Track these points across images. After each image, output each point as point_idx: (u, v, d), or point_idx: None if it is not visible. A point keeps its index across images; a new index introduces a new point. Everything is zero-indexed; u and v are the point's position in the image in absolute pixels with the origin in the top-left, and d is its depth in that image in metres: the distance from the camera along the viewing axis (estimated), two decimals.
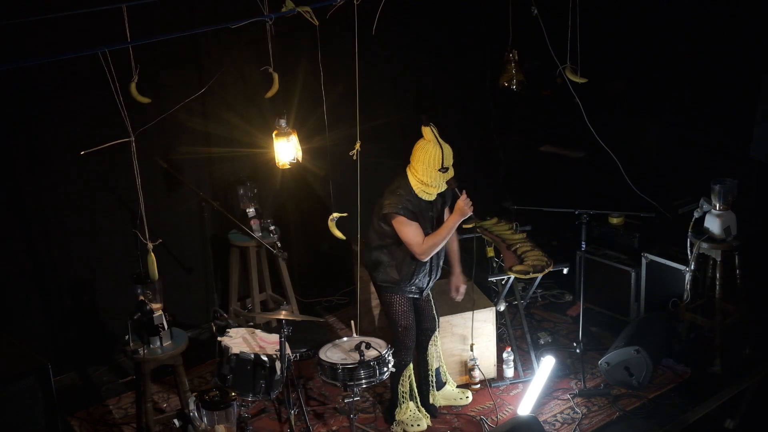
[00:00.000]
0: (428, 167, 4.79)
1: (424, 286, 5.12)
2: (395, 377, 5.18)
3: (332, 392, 5.62)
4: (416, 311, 5.19)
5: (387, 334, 5.21)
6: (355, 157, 4.64)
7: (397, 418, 5.26)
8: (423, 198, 4.89)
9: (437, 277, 5.17)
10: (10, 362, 4.52)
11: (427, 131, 4.82)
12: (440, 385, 5.52)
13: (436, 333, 5.38)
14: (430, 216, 4.96)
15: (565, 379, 5.75)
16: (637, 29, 6.78)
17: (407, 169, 4.91)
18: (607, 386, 5.64)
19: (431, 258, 4.99)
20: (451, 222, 4.86)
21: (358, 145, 4.65)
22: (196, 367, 5.94)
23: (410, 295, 5.08)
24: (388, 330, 5.27)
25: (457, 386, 5.63)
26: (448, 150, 4.82)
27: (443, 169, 4.80)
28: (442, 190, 4.92)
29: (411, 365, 5.21)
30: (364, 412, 5.48)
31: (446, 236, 4.88)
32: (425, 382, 5.39)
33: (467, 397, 5.56)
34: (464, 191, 4.80)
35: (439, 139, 4.80)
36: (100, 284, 6.01)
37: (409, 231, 4.83)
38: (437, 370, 5.47)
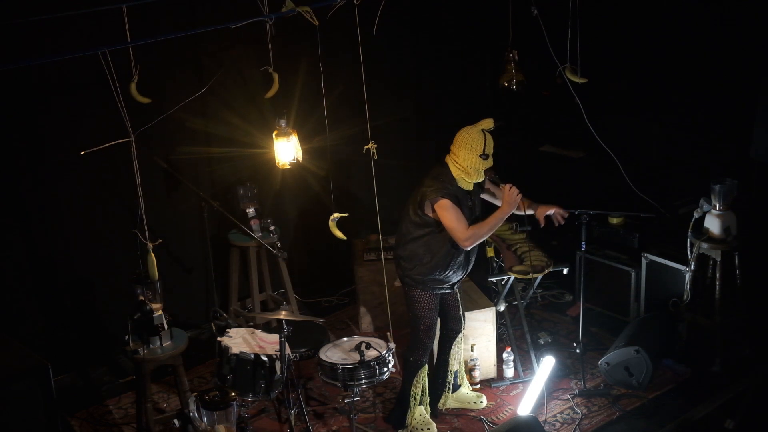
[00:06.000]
0: (470, 152, 4.77)
1: (456, 280, 5.06)
2: (408, 377, 5.13)
3: (332, 392, 5.62)
4: (442, 310, 5.14)
5: (386, 335, 5.19)
6: (375, 156, 4.62)
7: (407, 422, 5.19)
8: (462, 187, 4.87)
9: (468, 271, 5.12)
10: (10, 362, 4.52)
11: (483, 122, 4.83)
12: (455, 387, 5.46)
13: (461, 335, 5.34)
14: (468, 206, 4.91)
15: (565, 379, 5.75)
16: (637, 29, 6.78)
17: (446, 159, 4.88)
18: (607, 386, 5.64)
19: (467, 251, 4.94)
20: (500, 213, 4.79)
21: (373, 146, 4.64)
22: (196, 367, 5.94)
23: (439, 292, 5.02)
24: (388, 329, 5.25)
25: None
26: (490, 138, 4.83)
27: (484, 156, 4.80)
28: (480, 180, 4.90)
29: (426, 366, 5.16)
30: (364, 412, 5.48)
31: (492, 227, 4.80)
32: (442, 384, 5.36)
33: (482, 402, 5.50)
34: (508, 183, 4.78)
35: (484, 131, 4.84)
36: (100, 284, 6.00)
37: (452, 216, 4.75)
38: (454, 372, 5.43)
